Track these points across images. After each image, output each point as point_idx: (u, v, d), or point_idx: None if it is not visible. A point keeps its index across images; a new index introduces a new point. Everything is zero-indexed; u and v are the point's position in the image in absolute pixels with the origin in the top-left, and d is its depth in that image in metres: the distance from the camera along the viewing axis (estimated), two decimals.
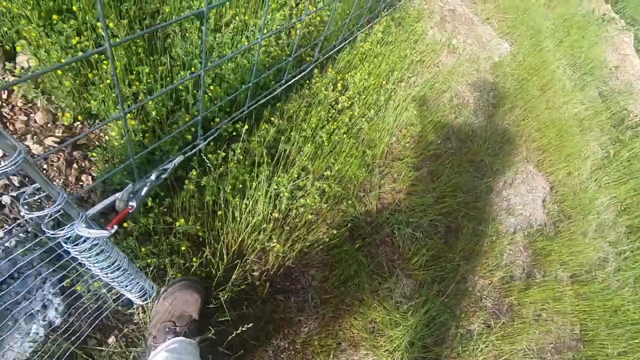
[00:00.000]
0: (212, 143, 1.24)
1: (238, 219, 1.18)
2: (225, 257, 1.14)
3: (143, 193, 0.74)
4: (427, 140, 1.89)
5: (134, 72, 1.17)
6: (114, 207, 0.82)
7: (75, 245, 0.63)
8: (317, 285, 1.35)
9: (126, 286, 0.82)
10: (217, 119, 1.23)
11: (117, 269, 0.75)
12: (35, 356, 0.86)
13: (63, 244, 0.62)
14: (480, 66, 2.54)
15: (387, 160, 1.73)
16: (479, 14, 2.92)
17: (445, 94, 2.19)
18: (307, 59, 1.61)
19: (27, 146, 0.99)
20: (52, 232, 0.57)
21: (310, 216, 1.30)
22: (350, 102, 1.64)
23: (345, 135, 1.52)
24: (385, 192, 1.66)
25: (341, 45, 1.74)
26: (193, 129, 1.18)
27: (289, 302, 1.28)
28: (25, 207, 0.51)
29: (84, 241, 0.64)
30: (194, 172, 1.13)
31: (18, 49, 1.06)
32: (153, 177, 0.75)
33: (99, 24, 1.18)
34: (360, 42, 1.84)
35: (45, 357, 0.87)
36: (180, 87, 1.23)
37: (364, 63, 1.79)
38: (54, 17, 1.07)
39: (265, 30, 1.51)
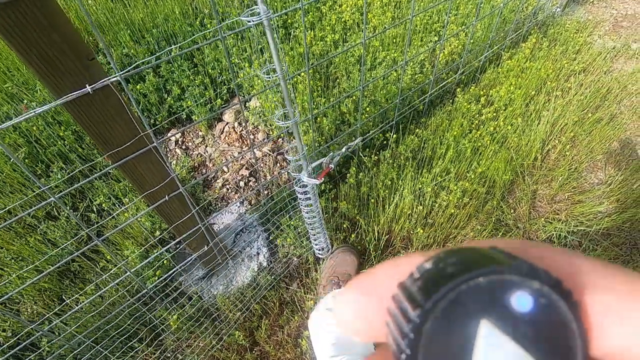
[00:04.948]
0: (367, 149, 1.57)
1: (387, 208, 1.43)
2: (375, 237, 1.39)
3: (335, 160, 1.09)
4: (593, 148, 1.72)
5: (314, 102, 1.66)
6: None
7: (300, 187, 1.02)
8: None
9: (316, 234, 1.18)
10: (371, 131, 1.57)
11: (315, 216, 1.11)
12: (253, 282, 1.29)
13: (295, 186, 1.02)
14: None
15: (542, 169, 1.67)
16: None
17: (624, 100, 1.95)
18: (450, 80, 1.82)
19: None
20: (295, 174, 0.96)
21: (453, 210, 1.43)
22: (494, 114, 1.72)
23: (488, 142, 1.61)
24: (540, 199, 1.60)
25: (483, 66, 1.87)
26: (354, 138, 1.54)
27: None
28: (288, 154, 0.92)
29: (303, 187, 1.03)
30: (353, 169, 1.47)
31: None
32: (343, 150, 1.10)
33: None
34: (505, 60, 1.92)
35: (256, 283, 1.29)
36: (344, 110, 1.65)
37: (509, 78, 1.85)
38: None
39: (410, 63, 1.82)
